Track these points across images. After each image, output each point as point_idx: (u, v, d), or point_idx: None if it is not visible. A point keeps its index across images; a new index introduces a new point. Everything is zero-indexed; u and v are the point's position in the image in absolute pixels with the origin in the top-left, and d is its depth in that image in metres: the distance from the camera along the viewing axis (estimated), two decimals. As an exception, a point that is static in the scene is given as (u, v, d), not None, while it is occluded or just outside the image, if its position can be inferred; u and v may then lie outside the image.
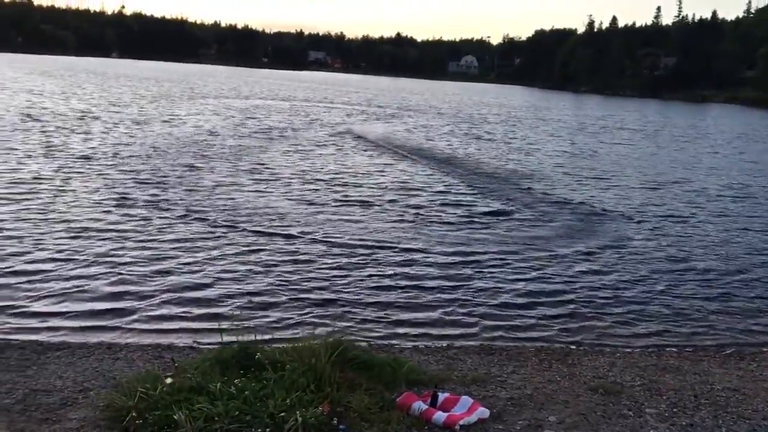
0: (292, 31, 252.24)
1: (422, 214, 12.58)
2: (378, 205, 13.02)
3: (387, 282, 8.53)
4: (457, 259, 9.77)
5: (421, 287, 8.46)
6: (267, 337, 6.21)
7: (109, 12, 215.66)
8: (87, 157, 16.05)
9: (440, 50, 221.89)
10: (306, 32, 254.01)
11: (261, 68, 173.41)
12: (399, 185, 15.52)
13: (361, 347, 5.79)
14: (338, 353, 5.09)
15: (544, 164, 21.51)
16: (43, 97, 35.29)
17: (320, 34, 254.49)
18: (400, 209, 12.86)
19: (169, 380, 4.97)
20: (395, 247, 10.10)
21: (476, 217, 12.65)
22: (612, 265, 10.03)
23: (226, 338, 5.71)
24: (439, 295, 8.22)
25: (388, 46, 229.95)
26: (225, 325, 6.50)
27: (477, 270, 9.31)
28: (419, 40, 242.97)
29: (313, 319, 7.13)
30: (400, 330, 7.11)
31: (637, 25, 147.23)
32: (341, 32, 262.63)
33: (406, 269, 9.11)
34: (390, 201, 13.58)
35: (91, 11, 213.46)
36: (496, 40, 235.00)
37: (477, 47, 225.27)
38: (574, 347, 6.97)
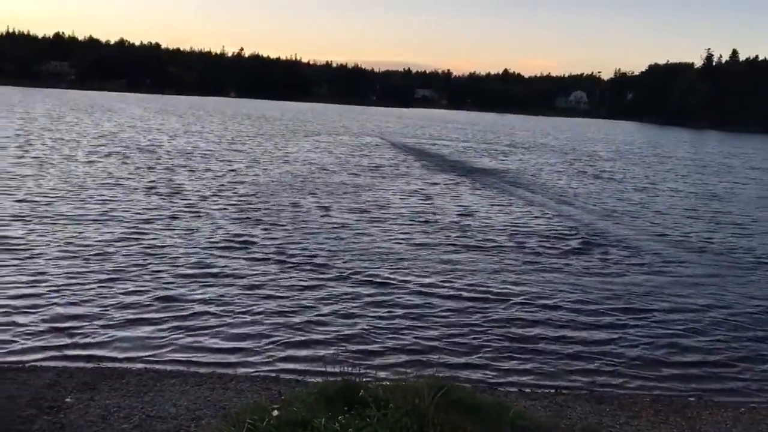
0: (400, 69, 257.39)
1: (537, 258, 12.10)
2: (490, 248, 12.64)
3: (493, 325, 8.35)
4: (572, 304, 9.41)
5: (528, 330, 8.22)
6: (371, 374, 6.19)
7: (229, 54, 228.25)
8: (204, 197, 16.67)
9: (548, 86, 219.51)
10: (413, 70, 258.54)
11: (369, 106, 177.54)
12: (513, 226, 15.00)
13: (466, 389, 5.67)
14: (442, 394, 5.01)
15: (671, 206, 20.33)
16: (167, 135, 37.61)
17: (427, 72, 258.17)
18: (513, 252, 12.42)
19: (275, 412, 5.05)
20: (506, 291, 9.87)
21: (596, 262, 12.03)
22: (740, 316, 9.35)
23: (331, 373, 5.75)
24: (547, 340, 7.96)
25: (495, 82, 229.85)
26: (330, 360, 6.57)
27: (591, 316, 8.94)
28: (526, 76, 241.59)
29: (417, 359, 7.07)
30: (506, 373, 6.92)
31: (760, 58, 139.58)
32: (448, 69, 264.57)
33: (515, 313, 8.89)
34: (503, 243, 13.14)
35: (213, 53, 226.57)
36: (607, 75, 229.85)
37: (587, 82, 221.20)
38: (693, 399, 6.54)
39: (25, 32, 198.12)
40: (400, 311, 8.60)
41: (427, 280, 10.02)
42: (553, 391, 6.52)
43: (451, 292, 9.52)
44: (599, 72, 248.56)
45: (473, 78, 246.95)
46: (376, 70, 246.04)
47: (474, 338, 7.81)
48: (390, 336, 7.72)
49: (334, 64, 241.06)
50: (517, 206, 18.23)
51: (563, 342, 7.88)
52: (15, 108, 56.59)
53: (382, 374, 6.36)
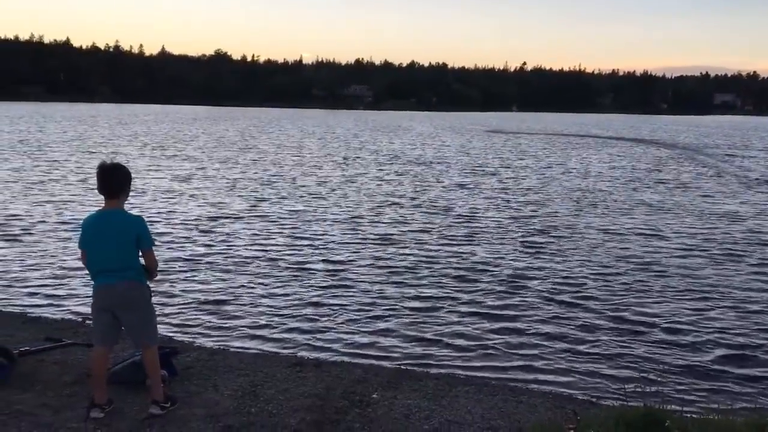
0: (696, 73, 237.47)
1: None
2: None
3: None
4: None
5: None
6: (674, 403, 5.73)
7: (512, 69, 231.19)
8: (499, 220, 16.56)
9: None
10: (712, 74, 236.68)
11: (660, 114, 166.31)
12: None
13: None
14: (765, 436, 4.44)
15: None
16: (454, 151, 39.19)
17: (728, 75, 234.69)
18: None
19: (571, 433, 4.92)
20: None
21: None
22: None
23: (630, 399, 5.46)
24: None
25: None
26: (629, 385, 6.23)
27: None
28: None
29: (730, 391, 6.39)
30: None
31: None
32: (754, 71, 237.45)
33: None
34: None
35: (496, 69, 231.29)
36: None
37: None
38: None
39: (331, 60, 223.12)
40: (710, 337, 7.86)
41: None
42: None
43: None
44: None
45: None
46: (668, 75, 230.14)
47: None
48: (696, 363, 7.11)
49: (621, 72, 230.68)
50: None
51: None
52: (318, 128, 63.62)
53: (687, 405, 5.84)
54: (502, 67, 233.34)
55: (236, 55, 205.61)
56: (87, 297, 7.98)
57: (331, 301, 9.06)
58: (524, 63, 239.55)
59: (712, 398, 6.22)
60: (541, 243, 13.21)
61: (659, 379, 6.68)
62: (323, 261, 11.34)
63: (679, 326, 8.29)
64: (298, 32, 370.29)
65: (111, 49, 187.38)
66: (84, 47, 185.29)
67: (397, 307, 8.89)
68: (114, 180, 5.01)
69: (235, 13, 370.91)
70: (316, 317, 8.38)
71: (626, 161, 33.32)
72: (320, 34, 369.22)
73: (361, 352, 7.27)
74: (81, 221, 5.22)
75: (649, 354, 7.37)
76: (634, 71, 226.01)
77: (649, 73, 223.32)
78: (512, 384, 6.47)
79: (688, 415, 5.20)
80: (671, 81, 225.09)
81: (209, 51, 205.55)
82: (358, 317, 8.42)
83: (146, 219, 5.19)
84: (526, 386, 6.43)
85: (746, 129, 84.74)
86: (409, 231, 14.15)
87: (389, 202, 18.11)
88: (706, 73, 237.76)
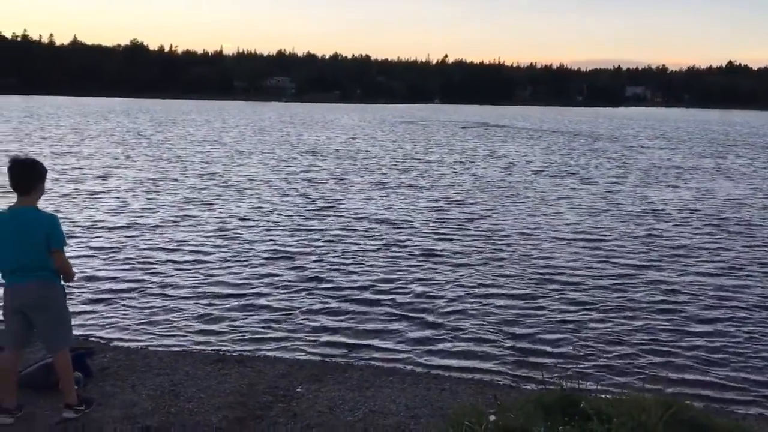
0: (609, 67, 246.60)
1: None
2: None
3: (731, 340, 7.66)
4: None
5: None
6: (591, 385, 5.94)
7: (434, 62, 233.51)
8: (416, 219, 16.94)
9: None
10: (624, 67, 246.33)
11: (575, 107, 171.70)
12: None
13: (698, 408, 5.25)
14: (672, 413, 4.67)
15: None
16: (378, 144, 39.25)
17: (639, 69, 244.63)
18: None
19: (492, 417, 5.04)
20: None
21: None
22: None
23: (548, 382, 5.62)
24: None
25: (717, 76, 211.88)
26: (547, 368, 6.43)
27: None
28: (755, 68, 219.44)
29: (643, 371, 6.68)
30: (743, 393, 6.28)
31: None
32: (663, 65, 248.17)
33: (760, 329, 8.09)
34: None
35: (418, 62, 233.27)
36: None
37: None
38: None
39: (252, 51, 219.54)
40: (624, 320, 8.20)
41: (663, 288, 9.42)
42: (801, 418, 5.81)
43: (687, 298, 8.89)
44: None
45: (691, 72, 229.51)
46: (583, 69, 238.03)
47: (707, 354, 7.21)
48: (614, 344, 7.40)
49: (539, 66, 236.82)
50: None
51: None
52: (240, 120, 62.42)
53: (602, 386, 6.08)
54: (424, 60, 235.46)
55: (153, 46, 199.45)
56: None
57: (254, 300, 8.86)
58: (446, 56, 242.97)
59: (624, 379, 6.49)
60: (465, 239, 13.42)
61: (576, 363, 6.92)
62: (244, 258, 11.08)
63: (595, 314, 8.59)
64: (217, 23, 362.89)
65: (18, 39, 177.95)
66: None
67: (321, 301, 8.83)
68: (26, 176, 4.80)
69: (151, 2, 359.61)
70: (239, 314, 8.22)
71: (555, 155, 33.45)
72: (241, 25, 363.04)
73: (285, 346, 7.20)
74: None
75: (567, 339, 7.61)
76: (551, 65, 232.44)
77: (565, 66, 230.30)
78: (435, 372, 6.56)
79: (602, 396, 5.42)
80: (586, 74, 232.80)
81: (124, 41, 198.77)
82: (282, 312, 8.32)
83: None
84: (449, 374, 6.53)
85: (658, 120, 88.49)
86: (331, 229, 14.03)
87: (309, 204, 17.79)
88: (619, 66, 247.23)
